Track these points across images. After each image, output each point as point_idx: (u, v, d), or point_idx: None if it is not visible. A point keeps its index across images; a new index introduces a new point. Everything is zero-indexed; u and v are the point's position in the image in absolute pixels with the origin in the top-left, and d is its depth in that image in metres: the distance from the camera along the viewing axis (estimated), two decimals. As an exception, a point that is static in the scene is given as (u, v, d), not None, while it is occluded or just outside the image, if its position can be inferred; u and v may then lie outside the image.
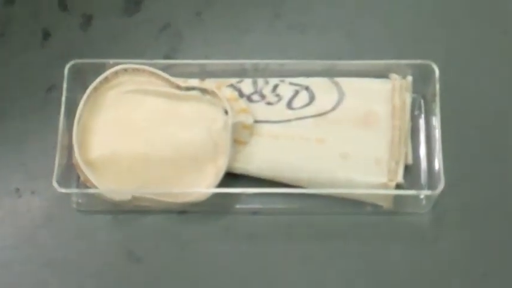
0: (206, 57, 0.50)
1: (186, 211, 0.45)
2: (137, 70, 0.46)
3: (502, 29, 0.51)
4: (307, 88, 0.46)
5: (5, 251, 0.45)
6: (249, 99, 0.46)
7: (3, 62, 0.51)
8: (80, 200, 0.46)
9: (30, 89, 0.50)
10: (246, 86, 0.47)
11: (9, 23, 0.52)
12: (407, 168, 0.45)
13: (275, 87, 0.46)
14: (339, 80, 0.46)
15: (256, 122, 0.45)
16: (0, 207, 0.46)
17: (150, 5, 0.53)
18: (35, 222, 0.45)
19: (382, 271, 0.44)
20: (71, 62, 0.46)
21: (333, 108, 0.45)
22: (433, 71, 0.45)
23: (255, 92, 0.47)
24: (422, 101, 0.47)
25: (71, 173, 0.45)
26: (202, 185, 0.44)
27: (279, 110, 0.45)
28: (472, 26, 0.51)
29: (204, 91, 0.45)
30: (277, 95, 0.46)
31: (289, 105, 0.46)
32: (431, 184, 0.44)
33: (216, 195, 0.44)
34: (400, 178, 0.43)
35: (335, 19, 0.52)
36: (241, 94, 0.46)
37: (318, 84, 0.46)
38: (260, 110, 0.46)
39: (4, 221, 0.45)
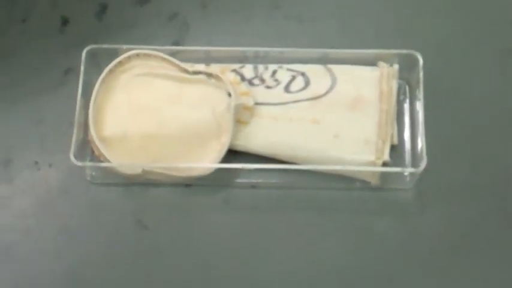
0: (211, 44, 0.51)
1: (191, 184, 0.46)
2: (148, 55, 0.47)
3: (483, 20, 0.52)
4: (303, 74, 0.47)
5: (25, 219, 0.46)
6: (250, 83, 0.47)
7: (25, 46, 0.52)
8: (93, 173, 0.47)
9: (50, 71, 0.51)
10: (248, 71, 0.48)
11: (31, 10, 0.53)
12: (393, 147, 0.46)
13: (274, 72, 0.48)
14: (332, 66, 0.48)
15: (256, 104, 0.46)
16: (21, 178, 0.47)
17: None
18: (52, 193, 0.47)
19: (369, 242, 0.45)
20: (88, 47, 0.47)
21: (326, 92, 0.46)
22: (417, 60, 0.46)
23: (256, 77, 0.48)
24: (407, 87, 0.48)
25: (85, 149, 0.46)
26: (207, 161, 0.45)
27: (278, 94, 0.47)
28: (454, 20, 0.52)
29: (209, 75, 0.47)
30: (276, 80, 0.47)
31: (286, 89, 0.47)
32: (414, 162, 0.46)
33: (218, 170, 0.45)
34: (386, 157, 0.45)
35: (329, 10, 0.53)
36: (243, 78, 0.47)
37: (313, 70, 0.48)
38: (260, 93, 0.47)
39: (24, 191, 0.47)
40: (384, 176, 0.46)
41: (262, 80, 0.48)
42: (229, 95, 0.45)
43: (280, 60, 0.49)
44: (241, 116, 0.46)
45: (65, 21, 0.53)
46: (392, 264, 0.45)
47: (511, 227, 0.45)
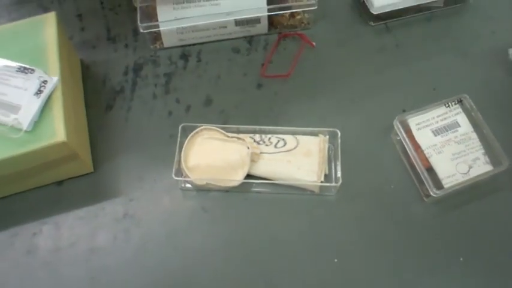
0: (239, 124, 0.68)
1: (228, 190, 0.65)
2: (210, 129, 0.66)
3: (371, 112, 0.69)
4: (283, 139, 0.67)
5: (147, 204, 0.65)
6: (258, 143, 0.66)
7: (153, 124, 0.71)
8: (183, 184, 0.66)
9: (163, 136, 0.70)
10: (257, 137, 0.67)
11: (154, 108, 0.74)
12: (326, 175, 0.66)
13: (269, 138, 0.67)
14: (297, 136, 0.67)
15: (261, 153, 0.65)
16: (148, 185, 0.67)
17: (216, 101, 0.73)
18: (162, 193, 0.66)
19: (313, 221, 0.63)
20: (182, 124, 0.66)
21: (294, 148, 0.66)
22: (337, 134, 0.66)
23: (261, 140, 0.67)
24: (332, 146, 0.67)
25: (179, 172, 0.65)
26: (237, 178, 0.63)
27: (271, 148, 0.66)
28: (354, 113, 0.70)
29: (238, 138, 0.65)
30: (270, 142, 0.66)
31: (275, 146, 0.66)
32: (335, 181, 0.64)
33: (242, 183, 0.64)
34: (322, 179, 0.64)
35: (295, 112, 0.72)
36: (254, 140, 0.66)
37: (288, 137, 0.66)
38: (262, 148, 0.65)
39: (149, 191, 0.66)
40: (321, 188, 0.64)
41: (264, 141, 0.67)
42: (248, 148, 0.64)
43: (272, 132, 0.67)
44: (253, 158, 0.65)
45: (170, 113, 0.73)
46: (324, 233, 0.62)
47: (384, 212, 0.64)
